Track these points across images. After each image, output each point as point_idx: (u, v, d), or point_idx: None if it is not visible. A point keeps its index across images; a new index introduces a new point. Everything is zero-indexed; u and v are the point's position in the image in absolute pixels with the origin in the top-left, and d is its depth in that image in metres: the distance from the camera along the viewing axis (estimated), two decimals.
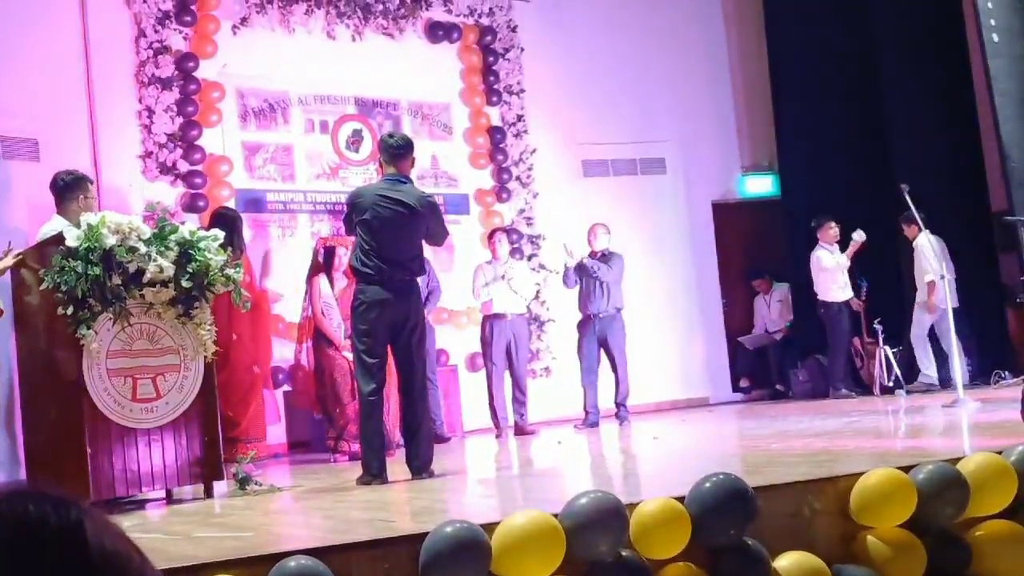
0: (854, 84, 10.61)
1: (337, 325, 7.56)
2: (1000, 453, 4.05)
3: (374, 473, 5.45)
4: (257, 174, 9.05)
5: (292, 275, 8.58)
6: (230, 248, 5.69)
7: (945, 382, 9.02)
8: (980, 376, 9.41)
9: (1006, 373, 9.27)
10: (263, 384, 7.37)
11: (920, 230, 8.80)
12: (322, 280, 7.74)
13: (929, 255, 8.99)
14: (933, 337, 9.40)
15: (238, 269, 5.56)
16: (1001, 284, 9.95)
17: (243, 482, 5.53)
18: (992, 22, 8.81)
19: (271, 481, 5.88)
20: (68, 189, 5.81)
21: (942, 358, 9.23)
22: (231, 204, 8.42)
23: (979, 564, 3.82)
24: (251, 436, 6.74)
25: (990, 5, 8.81)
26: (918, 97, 10.26)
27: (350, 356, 6.51)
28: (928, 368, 9.40)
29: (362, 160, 9.43)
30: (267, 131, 9.14)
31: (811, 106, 10.61)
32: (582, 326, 8.83)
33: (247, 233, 7.94)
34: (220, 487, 5.61)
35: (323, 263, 7.86)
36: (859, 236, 9.51)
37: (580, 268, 8.70)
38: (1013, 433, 4.63)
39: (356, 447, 6.40)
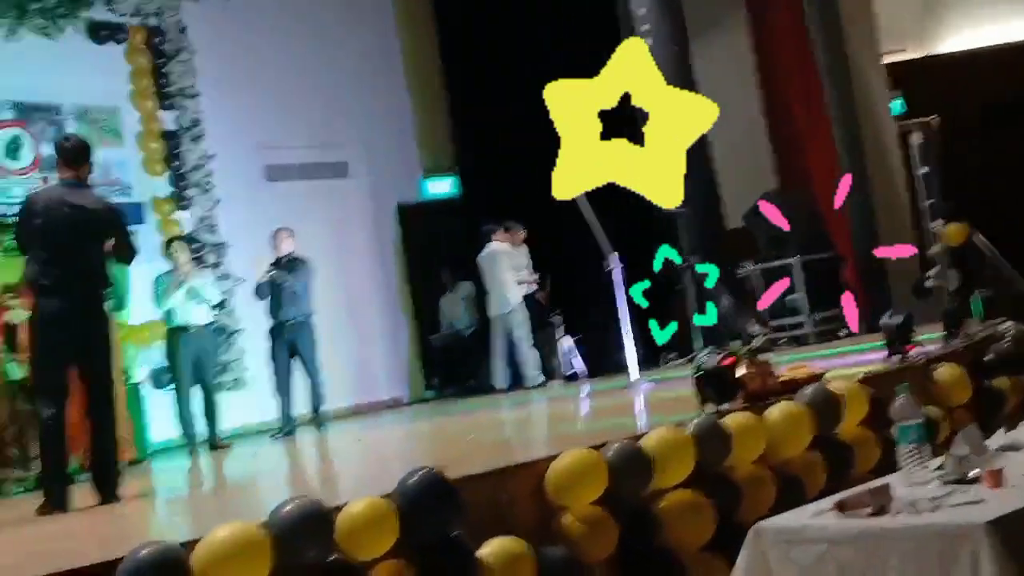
0: (531, 84, 10.97)
1: None
2: (679, 426, 4.34)
3: (56, 503, 5.08)
4: None
5: None
6: None
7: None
8: (650, 360, 9.96)
9: (672, 354, 9.92)
10: None
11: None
12: None
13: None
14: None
15: None
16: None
17: None
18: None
19: None
20: None
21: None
22: None
23: (666, 533, 4.06)
24: None
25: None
26: None
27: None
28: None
29: (23, 169, 8.77)
30: None
31: (488, 108, 10.87)
32: (273, 334, 8.63)
33: None
34: None
35: None
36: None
37: (271, 282, 8.49)
38: (687, 407, 4.95)
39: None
